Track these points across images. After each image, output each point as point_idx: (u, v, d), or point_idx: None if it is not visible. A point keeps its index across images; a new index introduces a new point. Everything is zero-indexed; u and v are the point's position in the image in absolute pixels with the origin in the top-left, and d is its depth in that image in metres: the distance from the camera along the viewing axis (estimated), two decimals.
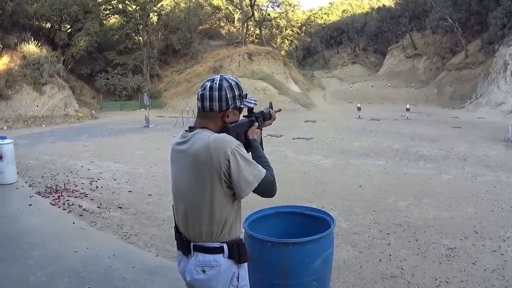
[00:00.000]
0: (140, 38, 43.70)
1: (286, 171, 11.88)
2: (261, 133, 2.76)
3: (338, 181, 10.75)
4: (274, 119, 2.94)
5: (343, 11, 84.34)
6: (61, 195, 9.15)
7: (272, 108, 2.99)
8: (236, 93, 2.44)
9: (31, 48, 33.52)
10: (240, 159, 2.28)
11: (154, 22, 45.51)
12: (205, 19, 49.58)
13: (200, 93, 2.47)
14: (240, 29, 51.06)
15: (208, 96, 2.41)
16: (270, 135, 18.99)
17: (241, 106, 2.52)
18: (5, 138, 10.62)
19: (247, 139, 2.62)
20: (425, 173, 11.65)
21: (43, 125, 27.13)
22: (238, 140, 2.41)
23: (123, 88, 39.71)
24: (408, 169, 12.15)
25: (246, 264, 2.53)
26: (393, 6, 69.22)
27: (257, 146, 2.59)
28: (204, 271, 2.39)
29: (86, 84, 40.69)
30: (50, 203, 8.50)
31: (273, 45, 55.13)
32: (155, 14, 45.05)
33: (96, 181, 10.69)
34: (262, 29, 53.88)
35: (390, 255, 5.93)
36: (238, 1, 51.48)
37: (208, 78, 2.48)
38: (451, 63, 45.04)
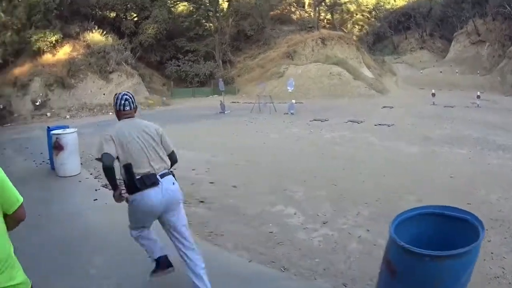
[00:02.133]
0: (211, 25, 43.03)
1: (375, 159, 11.29)
2: None
3: (428, 171, 10.05)
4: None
5: None
6: None
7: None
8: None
9: (95, 36, 33.74)
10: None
11: (224, 8, 44.86)
12: (276, 4, 47.85)
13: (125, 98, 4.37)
14: (312, 14, 49.37)
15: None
16: (351, 121, 18.38)
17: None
18: (67, 128, 10.47)
19: None
20: (507, 163, 10.77)
21: (110, 113, 26.63)
22: None
23: (195, 74, 39.32)
24: (491, 159, 11.31)
25: None
26: None
27: None
28: (173, 183, 4.15)
29: (156, 71, 40.62)
30: None
31: (344, 30, 53.37)
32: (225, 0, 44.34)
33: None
34: (333, 14, 52.27)
35: (492, 253, 5.32)
36: None
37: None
38: (511, 51, 42.66)
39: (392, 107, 24.84)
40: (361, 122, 18.46)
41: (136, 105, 4.43)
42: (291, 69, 36.02)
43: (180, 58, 40.58)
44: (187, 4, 43.84)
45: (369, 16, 63.64)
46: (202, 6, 41.24)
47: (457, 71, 48.88)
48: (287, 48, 40.39)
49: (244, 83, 38.45)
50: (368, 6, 63.63)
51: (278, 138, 15.11)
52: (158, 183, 4.02)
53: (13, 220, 2.60)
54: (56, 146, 9.87)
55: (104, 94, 30.58)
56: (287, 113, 21.72)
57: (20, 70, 30.81)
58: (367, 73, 39.40)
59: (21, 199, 2.57)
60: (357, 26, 59.81)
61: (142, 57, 38.86)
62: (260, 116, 21.40)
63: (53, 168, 10.49)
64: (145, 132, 4.18)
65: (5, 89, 29.66)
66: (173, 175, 4.26)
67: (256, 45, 44.59)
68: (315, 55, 38.86)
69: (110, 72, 31.77)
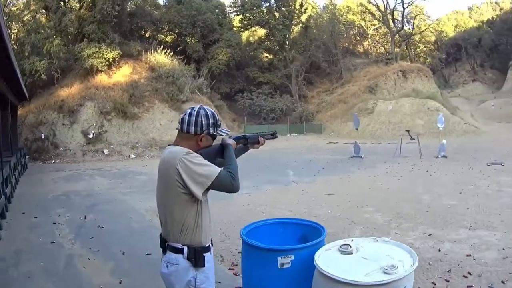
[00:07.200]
0: (286, 54, 40.66)
1: None
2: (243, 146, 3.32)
3: None
4: (262, 144, 3.37)
5: (456, 26, 79.11)
6: None
7: (263, 137, 3.40)
8: (211, 121, 2.85)
9: (159, 58, 30.09)
10: (188, 165, 2.64)
11: (297, 36, 42.78)
12: (344, 35, 46.24)
13: (181, 117, 2.92)
14: (385, 46, 48.06)
15: (186, 120, 2.85)
16: (492, 163, 15.24)
17: (214, 133, 2.90)
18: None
19: (222, 142, 3.03)
20: None
21: None
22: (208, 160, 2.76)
23: (270, 110, 36.54)
24: None
25: (208, 270, 2.80)
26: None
27: (229, 148, 2.95)
28: (167, 267, 2.85)
29: (225, 104, 36.87)
30: None
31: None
32: (302, 25, 42.37)
33: None
34: (406, 45, 50.92)
35: None
36: (381, 15, 47.93)
37: (190, 107, 2.95)
38: None
39: None
40: (502, 164, 14.98)
41: (195, 131, 3.10)
42: (381, 105, 33.63)
43: (253, 90, 37.93)
44: (258, 29, 41.92)
45: (433, 47, 62.85)
46: (276, 32, 39.02)
47: None
48: (368, 81, 38.59)
49: (328, 120, 35.80)
50: (431, 37, 62.36)
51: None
52: (164, 252, 3.30)
53: None
54: None
55: (177, 129, 26.31)
56: (438, 156, 17.96)
57: (68, 91, 26.69)
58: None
59: None
60: (421, 58, 58.50)
61: (211, 87, 35.38)
62: (414, 161, 17.26)
63: None
64: None
65: (48, 114, 25.10)
66: (187, 255, 3.21)
67: (328, 78, 42.78)
68: (397, 89, 37.30)
69: (183, 102, 27.70)
